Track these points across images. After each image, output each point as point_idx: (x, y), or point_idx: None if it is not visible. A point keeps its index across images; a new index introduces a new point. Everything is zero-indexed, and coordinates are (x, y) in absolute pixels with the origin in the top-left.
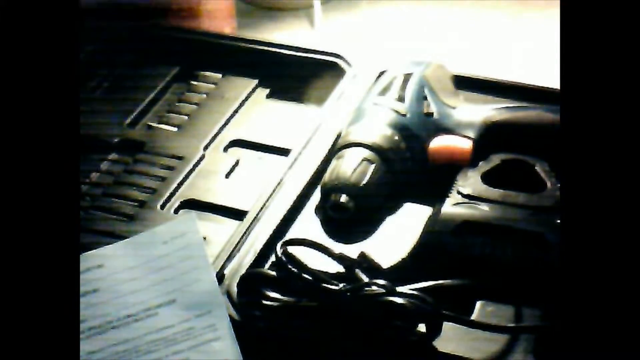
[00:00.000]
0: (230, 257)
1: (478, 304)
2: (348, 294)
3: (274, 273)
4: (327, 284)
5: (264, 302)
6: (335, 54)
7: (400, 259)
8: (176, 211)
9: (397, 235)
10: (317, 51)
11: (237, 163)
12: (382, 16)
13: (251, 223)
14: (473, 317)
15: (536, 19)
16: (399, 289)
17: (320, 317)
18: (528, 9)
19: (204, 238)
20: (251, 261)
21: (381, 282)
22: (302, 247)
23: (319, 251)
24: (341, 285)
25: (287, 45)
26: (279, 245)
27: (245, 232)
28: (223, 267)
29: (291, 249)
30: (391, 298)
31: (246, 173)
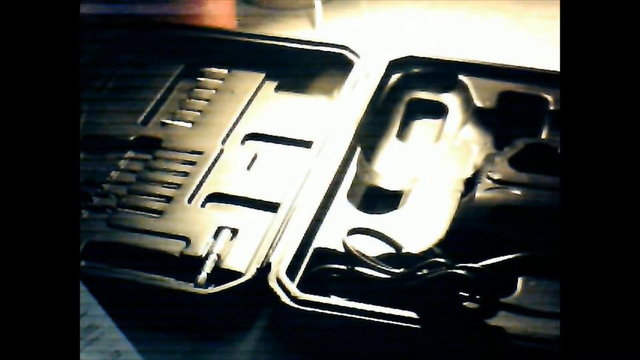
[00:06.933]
0: (272, 246)
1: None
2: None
3: (342, 266)
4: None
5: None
6: (341, 45)
7: (434, 245)
8: (203, 205)
9: (429, 222)
10: (323, 43)
11: (255, 156)
12: (382, 16)
13: (287, 212)
14: (515, 294)
15: (536, 19)
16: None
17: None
18: (528, 8)
19: (236, 230)
20: (295, 249)
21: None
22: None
23: (386, 242)
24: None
25: (292, 39)
26: (344, 234)
27: (283, 221)
28: (267, 256)
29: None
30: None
31: (266, 165)
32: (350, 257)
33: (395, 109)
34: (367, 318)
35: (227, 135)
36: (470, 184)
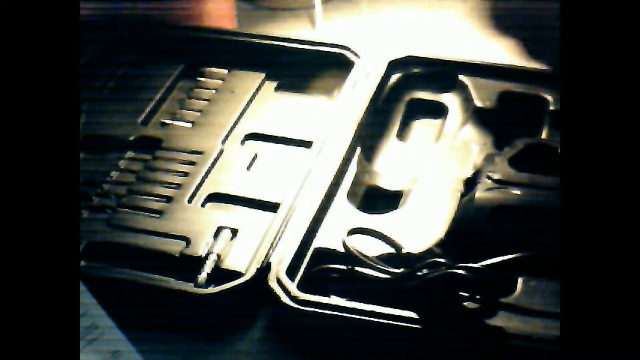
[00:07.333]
0: (272, 246)
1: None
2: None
3: (342, 267)
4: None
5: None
6: (341, 45)
7: (434, 245)
8: (203, 204)
9: (429, 222)
10: (323, 43)
11: (255, 156)
12: (382, 16)
13: (287, 212)
14: (515, 294)
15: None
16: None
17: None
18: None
19: (236, 230)
20: (295, 249)
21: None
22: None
23: (386, 243)
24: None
25: (292, 39)
26: (344, 234)
27: (283, 221)
28: (267, 256)
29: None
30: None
31: (266, 165)
32: (350, 257)
33: (395, 109)
34: (367, 318)
35: (227, 135)
36: (470, 184)
